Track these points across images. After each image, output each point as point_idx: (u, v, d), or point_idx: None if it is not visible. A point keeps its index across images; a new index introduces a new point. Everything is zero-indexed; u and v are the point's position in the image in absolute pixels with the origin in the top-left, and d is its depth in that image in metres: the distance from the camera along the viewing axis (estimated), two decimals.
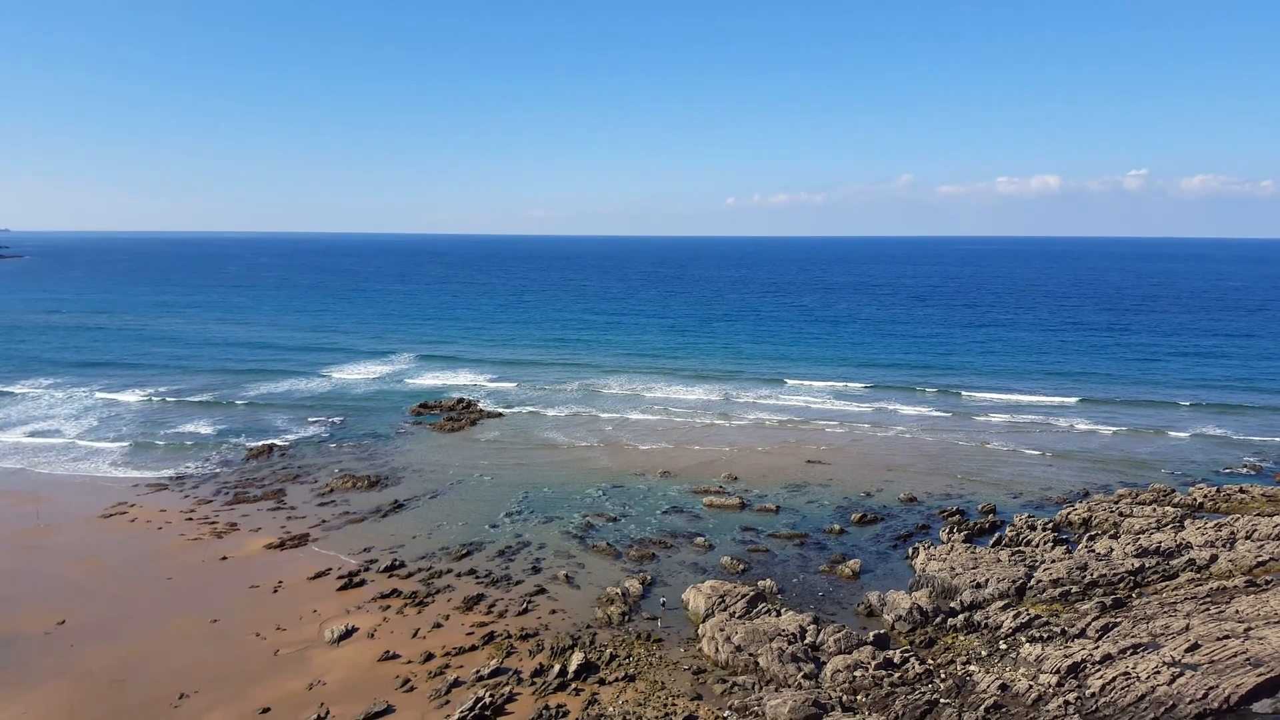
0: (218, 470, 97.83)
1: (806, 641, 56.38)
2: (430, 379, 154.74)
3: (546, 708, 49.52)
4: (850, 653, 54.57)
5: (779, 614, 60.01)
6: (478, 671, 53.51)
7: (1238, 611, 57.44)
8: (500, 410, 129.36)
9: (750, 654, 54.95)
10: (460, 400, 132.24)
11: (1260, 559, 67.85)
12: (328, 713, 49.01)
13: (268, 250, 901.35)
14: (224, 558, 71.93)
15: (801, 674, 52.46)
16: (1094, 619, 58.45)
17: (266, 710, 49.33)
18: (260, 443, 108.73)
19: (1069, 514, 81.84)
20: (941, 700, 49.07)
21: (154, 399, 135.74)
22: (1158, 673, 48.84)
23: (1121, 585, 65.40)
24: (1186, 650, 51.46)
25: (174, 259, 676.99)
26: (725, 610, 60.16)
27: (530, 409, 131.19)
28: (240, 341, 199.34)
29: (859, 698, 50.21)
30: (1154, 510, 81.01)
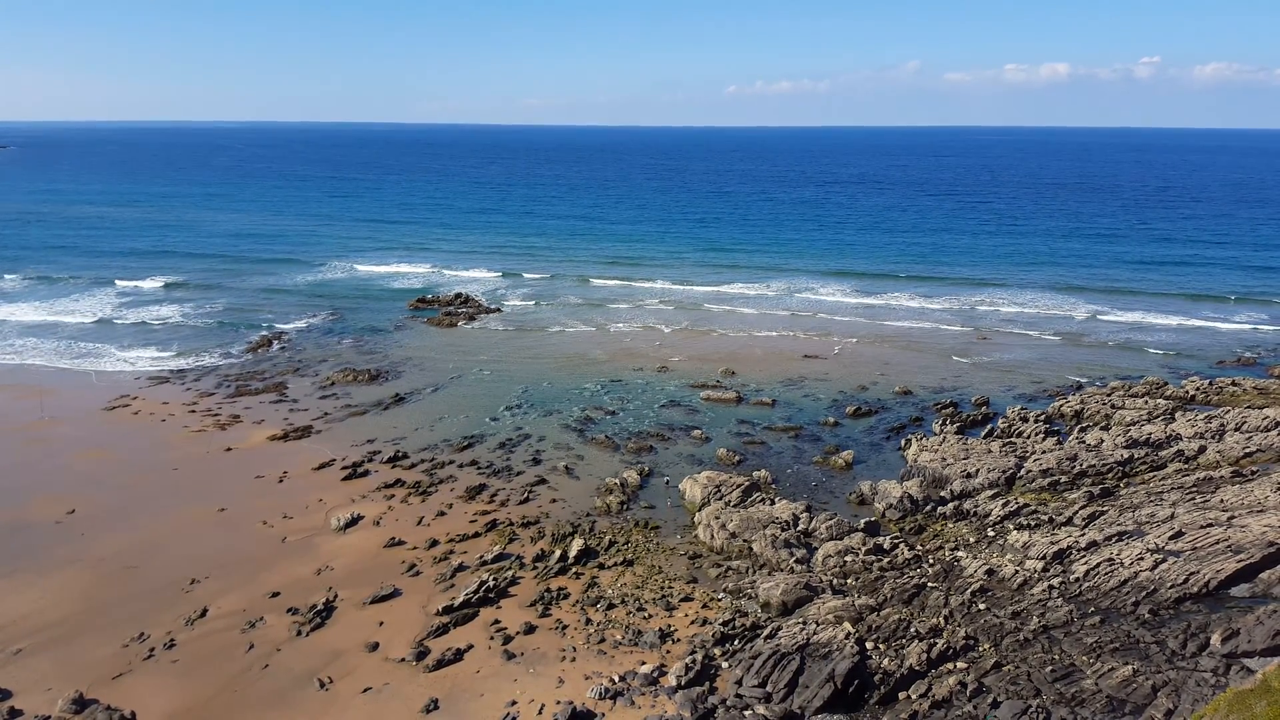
0: (218, 363, 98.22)
1: (799, 529, 57.90)
2: (424, 275, 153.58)
3: (548, 590, 51.28)
4: (841, 539, 56.14)
5: (773, 503, 61.41)
6: (481, 557, 55.16)
7: (1222, 501, 58.79)
8: (498, 306, 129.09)
9: (744, 540, 56.50)
10: (458, 295, 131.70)
11: (1248, 450, 68.94)
12: (336, 596, 50.72)
13: (256, 141, 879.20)
14: (228, 449, 73.02)
15: (794, 559, 54.07)
16: (1081, 508, 59.88)
17: (276, 594, 51.00)
18: (259, 335, 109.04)
19: (1061, 406, 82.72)
20: (929, 584, 50.77)
21: (146, 292, 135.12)
22: (1141, 559, 50.35)
23: (1110, 475, 66.67)
24: (1170, 538, 52.89)
25: (162, 149, 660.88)
26: (721, 499, 61.53)
27: (528, 306, 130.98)
28: (230, 235, 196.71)
29: (849, 581, 51.93)
30: (1146, 403, 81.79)
